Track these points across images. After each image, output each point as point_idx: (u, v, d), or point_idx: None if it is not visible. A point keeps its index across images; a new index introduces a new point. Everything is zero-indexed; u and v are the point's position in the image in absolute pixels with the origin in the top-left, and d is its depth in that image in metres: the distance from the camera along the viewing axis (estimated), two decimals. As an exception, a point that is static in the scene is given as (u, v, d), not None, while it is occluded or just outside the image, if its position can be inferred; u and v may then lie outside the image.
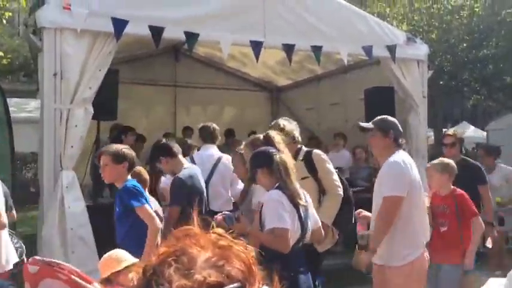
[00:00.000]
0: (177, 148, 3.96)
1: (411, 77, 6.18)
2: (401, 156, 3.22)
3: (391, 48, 5.97)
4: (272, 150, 2.99)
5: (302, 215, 2.83)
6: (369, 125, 3.38)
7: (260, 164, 2.92)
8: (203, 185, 4.08)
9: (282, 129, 3.73)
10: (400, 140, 3.28)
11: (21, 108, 12.25)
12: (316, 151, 3.90)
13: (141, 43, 6.39)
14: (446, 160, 4.05)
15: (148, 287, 0.72)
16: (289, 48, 5.49)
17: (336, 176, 3.81)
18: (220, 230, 0.80)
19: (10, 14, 9.23)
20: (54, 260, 2.00)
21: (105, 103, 5.06)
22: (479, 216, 3.93)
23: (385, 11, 13.80)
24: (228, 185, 4.79)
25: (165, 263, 0.73)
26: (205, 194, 4.05)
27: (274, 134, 3.37)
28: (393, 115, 6.49)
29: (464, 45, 12.26)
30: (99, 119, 5.51)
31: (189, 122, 8.20)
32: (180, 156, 3.95)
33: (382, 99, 6.55)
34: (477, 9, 12.26)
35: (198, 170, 4.09)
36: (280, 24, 5.45)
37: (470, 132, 22.73)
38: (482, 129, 22.73)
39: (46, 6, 4.50)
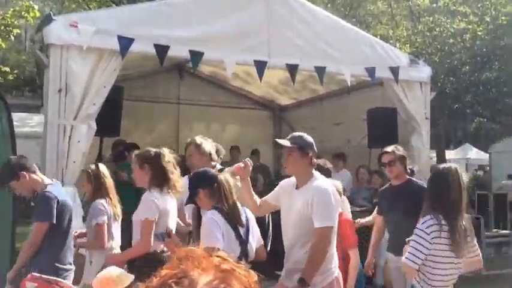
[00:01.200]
0: (35, 165, 3.54)
1: (414, 98, 6.20)
2: (326, 181, 3.16)
3: (394, 70, 6.01)
4: (212, 171, 3.09)
5: (242, 234, 2.87)
6: (287, 142, 3.16)
7: (201, 184, 2.97)
8: (71, 202, 3.68)
9: (198, 146, 3.85)
10: (314, 161, 3.15)
11: (24, 122, 12.31)
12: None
13: (146, 61, 6.45)
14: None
15: None
16: (292, 69, 5.53)
17: None
18: (222, 253, 0.79)
19: (18, 31, 9.34)
20: (52, 277, 1.98)
21: (108, 120, 5.08)
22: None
23: (388, 33, 13.94)
24: None
25: (165, 285, 0.73)
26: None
27: (166, 152, 3.39)
28: (396, 136, 6.55)
29: (467, 68, 12.33)
30: (102, 135, 5.52)
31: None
32: (39, 173, 3.52)
33: (384, 120, 6.57)
34: (480, 33, 12.35)
35: (60, 186, 3.69)
36: (284, 45, 5.50)
37: (473, 154, 22.70)
38: (485, 151, 22.72)
39: (54, 24, 4.56)
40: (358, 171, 6.83)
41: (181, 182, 3.39)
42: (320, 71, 5.66)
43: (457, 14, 13.07)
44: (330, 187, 3.08)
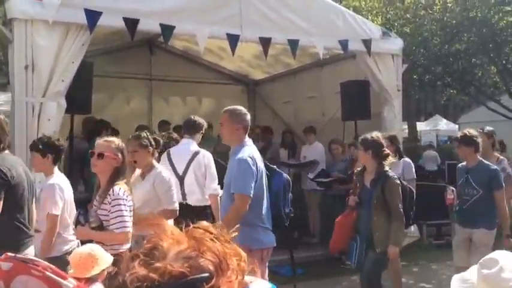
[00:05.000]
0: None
1: (386, 70, 6.26)
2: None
3: (367, 43, 6.03)
4: None
5: None
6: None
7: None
8: None
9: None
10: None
11: (-10, 101, 11.90)
12: None
13: (115, 35, 6.28)
14: None
15: (111, 279, 0.73)
16: (265, 42, 5.49)
17: None
18: (203, 224, 0.79)
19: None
20: (28, 257, 1.95)
21: (79, 96, 4.96)
22: None
23: (360, 4, 13.92)
24: (202, 181, 4.69)
25: (135, 257, 0.73)
26: None
27: None
28: (368, 108, 6.63)
29: (437, 39, 12.48)
30: (73, 112, 5.40)
31: (165, 115, 8.12)
32: None
33: (357, 92, 6.63)
34: (450, 5, 12.47)
35: None
36: (256, 18, 5.43)
37: (443, 125, 23.25)
38: (454, 122, 23.27)
39: (16, -3, 4.37)
40: (331, 147, 6.90)
41: None
42: (293, 44, 5.63)
43: (428, -14, 13.16)
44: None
